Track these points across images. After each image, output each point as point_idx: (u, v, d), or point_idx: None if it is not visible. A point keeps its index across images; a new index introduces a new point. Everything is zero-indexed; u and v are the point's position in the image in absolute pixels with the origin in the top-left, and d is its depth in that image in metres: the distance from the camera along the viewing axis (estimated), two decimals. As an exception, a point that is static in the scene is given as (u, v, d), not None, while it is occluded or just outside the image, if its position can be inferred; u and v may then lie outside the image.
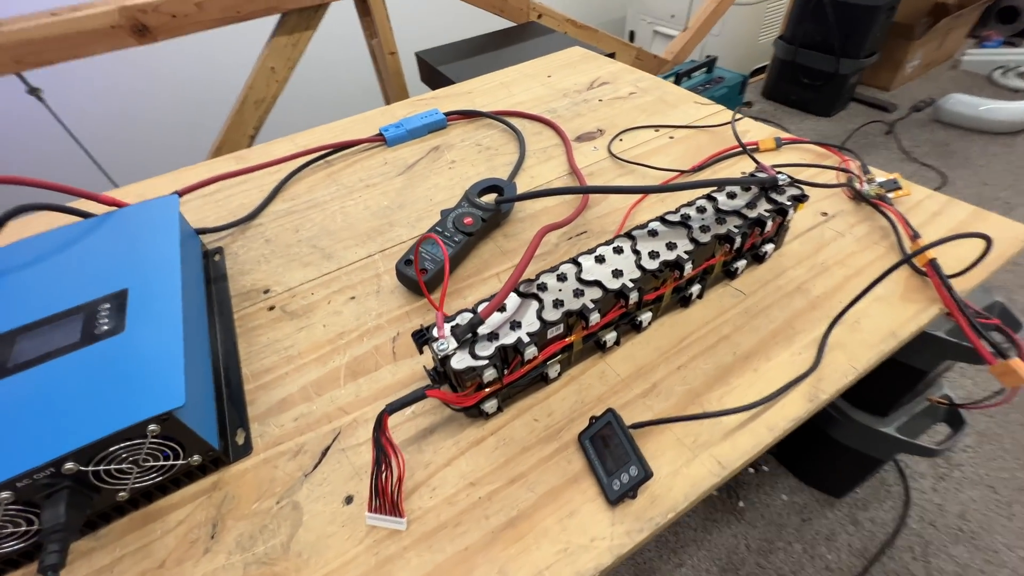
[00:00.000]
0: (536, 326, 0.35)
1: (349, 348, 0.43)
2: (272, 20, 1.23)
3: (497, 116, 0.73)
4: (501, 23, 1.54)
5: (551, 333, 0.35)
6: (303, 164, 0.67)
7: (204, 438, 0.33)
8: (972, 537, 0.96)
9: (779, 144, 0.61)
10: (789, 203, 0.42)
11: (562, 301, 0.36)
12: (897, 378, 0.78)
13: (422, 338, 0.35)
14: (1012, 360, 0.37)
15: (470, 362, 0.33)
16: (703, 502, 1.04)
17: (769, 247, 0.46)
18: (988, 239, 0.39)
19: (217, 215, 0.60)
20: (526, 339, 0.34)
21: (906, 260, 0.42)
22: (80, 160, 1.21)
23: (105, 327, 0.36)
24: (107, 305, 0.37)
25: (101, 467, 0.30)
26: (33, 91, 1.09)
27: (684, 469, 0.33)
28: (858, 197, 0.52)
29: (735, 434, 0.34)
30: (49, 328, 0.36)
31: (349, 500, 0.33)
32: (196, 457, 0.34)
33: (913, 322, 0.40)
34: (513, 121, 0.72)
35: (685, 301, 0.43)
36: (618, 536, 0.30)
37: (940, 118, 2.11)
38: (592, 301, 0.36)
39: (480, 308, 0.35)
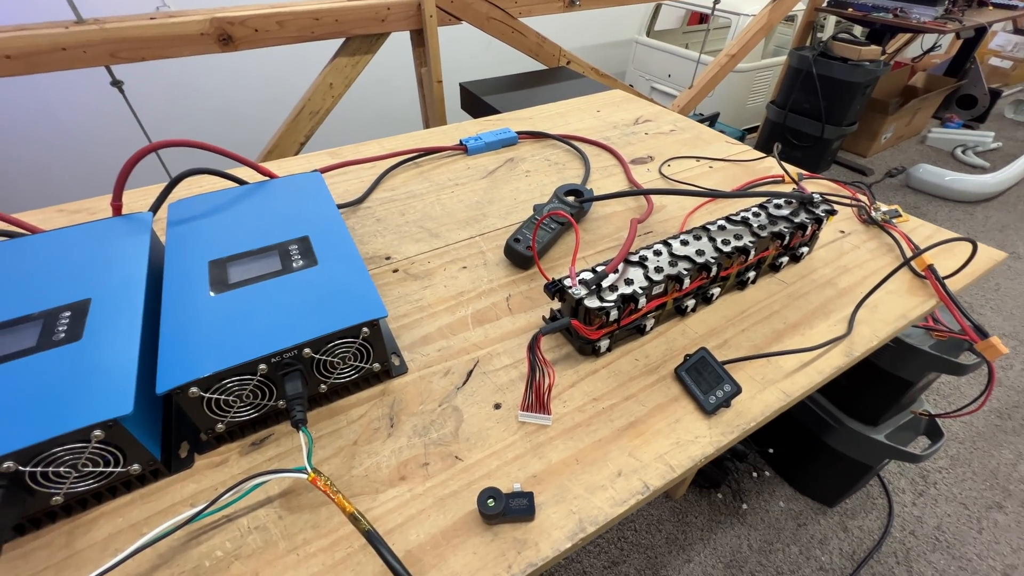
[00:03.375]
0: (645, 284, 0.45)
1: (470, 303, 0.53)
2: (336, 41, 1.36)
3: (562, 138, 0.85)
4: (533, 64, 1.72)
5: (655, 291, 0.46)
6: (398, 162, 0.77)
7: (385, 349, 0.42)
8: (948, 547, 1.06)
9: (800, 178, 0.74)
10: (823, 214, 0.55)
11: (662, 268, 0.46)
12: (886, 388, 0.90)
13: (555, 287, 0.45)
14: (992, 337, 0.48)
15: (599, 303, 0.43)
16: (709, 505, 1.13)
17: (804, 249, 0.57)
18: (974, 242, 0.52)
19: (328, 197, 0.69)
20: (639, 291, 0.44)
21: (907, 262, 0.54)
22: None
23: (300, 262, 0.44)
24: (296, 247, 0.46)
25: (325, 356, 0.38)
26: (116, 83, 1.18)
27: (758, 395, 0.43)
28: (869, 220, 0.65)
29: (793, 375, 0.44)
30: (252, 259, 0.45)
31: (498, 407, 0.42)
32: (376, 365, 0.42)
33: (917, 310, 0.52)
34: (574, 144, 0.85)
35: (742, 284, 0.54)
36: (715, 436, 0.39)
37: (911, 184, 2.36)
38: (685, 269, 0.47)
39: (600, 269, 0.46)
